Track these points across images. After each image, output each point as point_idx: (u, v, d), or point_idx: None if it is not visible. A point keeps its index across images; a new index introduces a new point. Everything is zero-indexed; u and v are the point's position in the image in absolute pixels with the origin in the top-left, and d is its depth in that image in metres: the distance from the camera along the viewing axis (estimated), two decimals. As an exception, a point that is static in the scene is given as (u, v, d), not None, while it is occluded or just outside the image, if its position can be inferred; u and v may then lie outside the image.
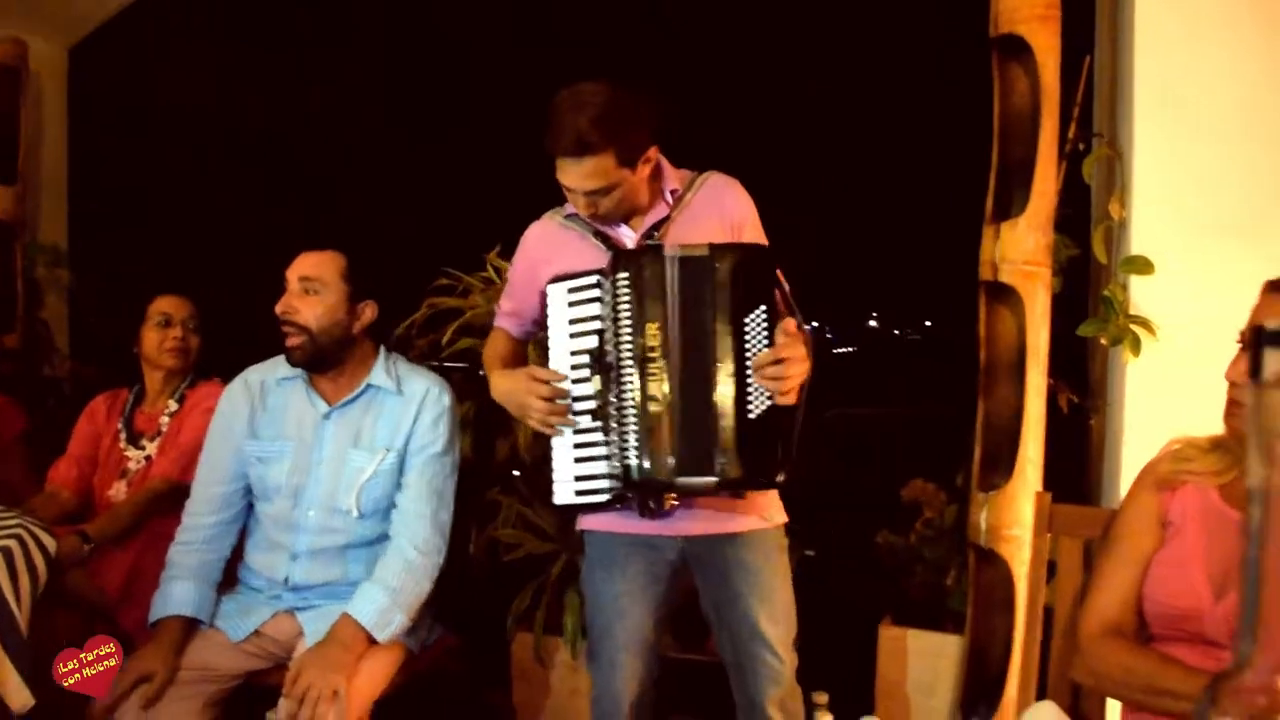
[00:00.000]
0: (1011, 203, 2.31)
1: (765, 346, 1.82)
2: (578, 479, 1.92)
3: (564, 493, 1.94)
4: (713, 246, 1.85)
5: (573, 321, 1.92)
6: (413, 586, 2.12)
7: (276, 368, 2.30)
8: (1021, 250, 2.29)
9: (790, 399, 1.81)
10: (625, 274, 1.86)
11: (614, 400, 1.87)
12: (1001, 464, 2.33)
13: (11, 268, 3.61)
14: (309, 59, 3.86)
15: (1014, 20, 2.24)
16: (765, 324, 1.82)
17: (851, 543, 2.15)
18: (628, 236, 1.99)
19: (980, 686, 2.41)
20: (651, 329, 1.85)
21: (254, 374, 2.32)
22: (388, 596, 2.08)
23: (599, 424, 1.89)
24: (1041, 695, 1.73)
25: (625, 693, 2.03)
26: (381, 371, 2.26)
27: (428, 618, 2.31)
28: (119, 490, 2.63)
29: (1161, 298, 2.23)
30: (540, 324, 2.03)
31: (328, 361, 2.22)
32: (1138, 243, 2.24)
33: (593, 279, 1.89)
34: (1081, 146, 2.39)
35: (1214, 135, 2.18)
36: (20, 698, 1.92)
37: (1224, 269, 2.17)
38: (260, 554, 2.26)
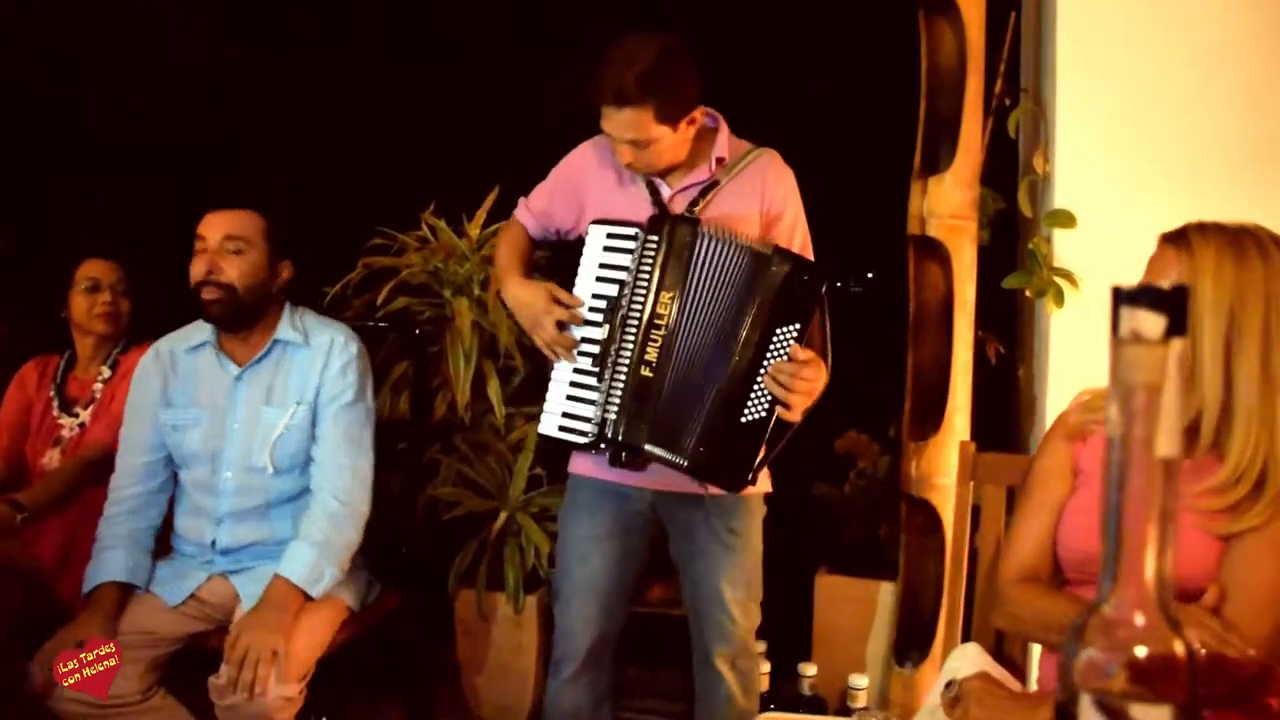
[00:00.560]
0: (939, 158, 2.35)
1: (785, 361, 1.83)
2: (564, 415, 1.96)
3: (549, 424, 1.98)
4: (777, 248, 1.86)
5: (602, 265, 1.95)
6: (339, 539, 2.14)
7: (188, 336, 2.30)
8: (949, 204, 2.33)
9: (794, 416, 1.84)
10: (655, 237, 1.89)
11: (613, 353, 1.91)
12: (930, 414, 2.39)
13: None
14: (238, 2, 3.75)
15: (940, -24, 2.26)
16: (794, 340, 1.83)
17: (787, 494, 2.19)
18: (664, 191, 2.01)
19: (913, 632, 2.48)
20: (665, 297, 1.88)
21: (164, 344, 2.32)
22: (315, 551, 2.09)
23: (597, 369, 1.93)
24: (967, 638, 1.78)
25: (578, 633, 2.09)
26: (288, 326, 2.26)
27: (365, 574, 2.33)
28: (52, 458, 2.60)
29: (1084, 251, 2.27)
30: (562, 237, 2.11)
31: (242, 319, 2.22)
32: (1061, 197, 2.27)
33: (632, 230, 1.92)
34: (1008, 102, 2.41)
35: (1136, 91, 2.22)
36: (-45, 667, 1.91)
37: (1145, 223, 2.19)
38: (187, 519, 2.26)
